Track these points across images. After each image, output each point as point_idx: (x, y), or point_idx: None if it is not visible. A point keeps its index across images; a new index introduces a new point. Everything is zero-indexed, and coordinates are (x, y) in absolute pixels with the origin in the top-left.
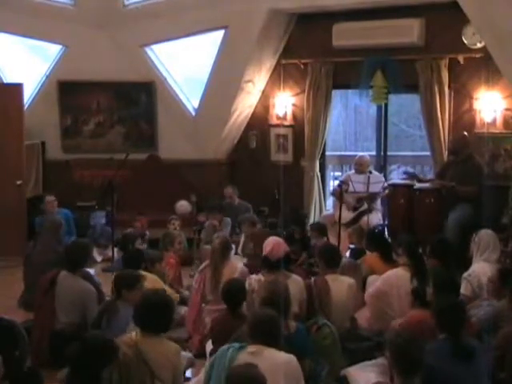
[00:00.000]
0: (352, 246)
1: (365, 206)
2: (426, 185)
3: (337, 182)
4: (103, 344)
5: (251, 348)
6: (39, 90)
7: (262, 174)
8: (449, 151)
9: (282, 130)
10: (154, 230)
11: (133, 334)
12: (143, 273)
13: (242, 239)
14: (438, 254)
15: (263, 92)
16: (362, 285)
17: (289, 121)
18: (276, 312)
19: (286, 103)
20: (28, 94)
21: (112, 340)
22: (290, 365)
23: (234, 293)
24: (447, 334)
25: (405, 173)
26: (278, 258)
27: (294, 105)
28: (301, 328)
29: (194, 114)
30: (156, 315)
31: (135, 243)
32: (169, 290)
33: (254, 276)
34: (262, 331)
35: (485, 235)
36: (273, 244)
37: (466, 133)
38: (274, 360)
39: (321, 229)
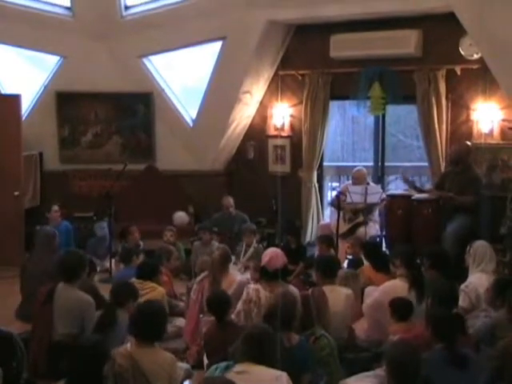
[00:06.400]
0: (350, 257)
1: (360, 218)
2: (424, 195)
3: (334, 193)
4: (93, 345)
5: (238, 367)
6: (37, 100)
7: (260, 184)
8: (451, 160)
9: (279, 141)
10: (151, 241)
11: (128, 344)
12: (153, 284)
13: (243, 248)
14: (438, 265)
15: (261, 103)
16: (360, 295)
17: (286, 131)
18: (277, 324)
19: (283, 114)
20: (26, 105)
21: (102, 340)
22: (279, 382)
23: (218, 303)
24: (443, 344)
25: (405, 181)
26: (275, 268)
27: (291, 115)
28: (303, 341)
29: (191, 124)
30: (150, 324)
31: (139, 257)
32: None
33: (251, 285)
34: (254, 349)
35: (480, 246)
36: (271, 255)
37: (469, 142)
38: (261, 378)
39: (329, 241)
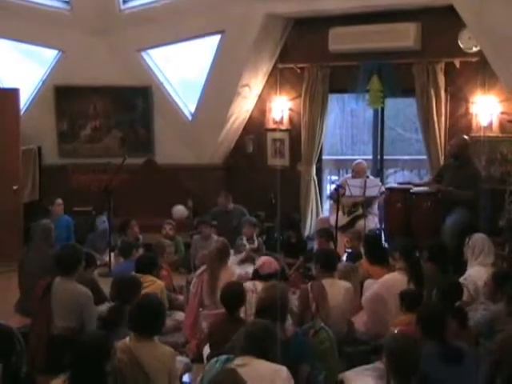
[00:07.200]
0: (349, 250)
1: (359, 211)
2: (423, 189)
3: (333, 186)
4: (96, 339)
5: (238, 360)
6: (36, 95)
7: (259, 178)
8: (450, 154)
9: (278, 135)
10: (151, 234)
11: (127, 339)
12: (153, 278)
13: (245, 241)
14: (436, 258)
15: (260, 96)
16: (360, 289)
17: (285, 125)
18: (272, 317)
19: (282, 107)
20: (24, 99)
21: (106, 336)
22: (278, 375)
23: (232, 296)
24: (432, 340)
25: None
26: (267, 273)
27: (290, 109)
28: (299, 333)
29: (190, 118)
30: (149, 318)
31: (138, 250)
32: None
33: (248, 281)
34: (254, 344)
35: (478, 239)
36: (264, 261)
37: (466, 136)
38: (261, 371)
39: (328, 235)
